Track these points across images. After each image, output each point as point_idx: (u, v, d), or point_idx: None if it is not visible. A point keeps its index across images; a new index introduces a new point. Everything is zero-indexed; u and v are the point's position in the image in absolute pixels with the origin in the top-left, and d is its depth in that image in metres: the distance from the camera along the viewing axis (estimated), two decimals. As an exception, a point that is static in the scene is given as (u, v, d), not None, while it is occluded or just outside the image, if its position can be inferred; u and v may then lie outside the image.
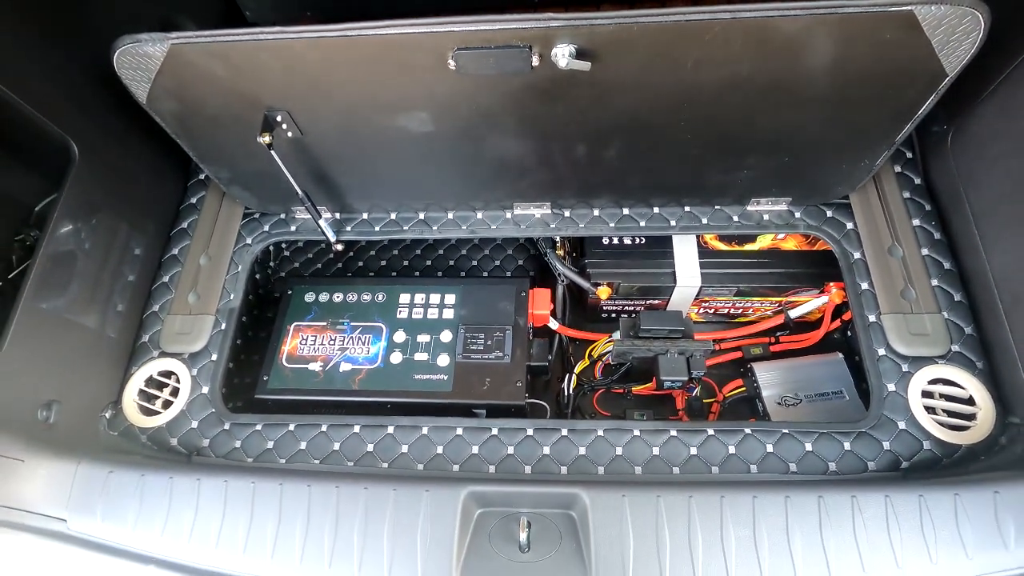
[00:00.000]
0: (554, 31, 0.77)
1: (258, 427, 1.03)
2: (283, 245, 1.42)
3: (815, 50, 0.79)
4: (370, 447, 1.00)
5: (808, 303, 1.24)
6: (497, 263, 1.47)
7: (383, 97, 0.90)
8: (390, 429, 1.01)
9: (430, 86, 0.87)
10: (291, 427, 1.03)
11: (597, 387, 1.32)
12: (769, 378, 1.23)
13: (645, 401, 1.31)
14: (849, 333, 1.28)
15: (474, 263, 1.47)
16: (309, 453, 1.00)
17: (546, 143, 0.99)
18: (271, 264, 1.44)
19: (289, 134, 0.97)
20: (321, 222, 1.13)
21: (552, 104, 0.89)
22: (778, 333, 1.32)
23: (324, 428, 1.02)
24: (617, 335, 1.19)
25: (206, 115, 0.95)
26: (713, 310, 1.32)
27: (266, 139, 0.92)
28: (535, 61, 0.80)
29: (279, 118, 0.94)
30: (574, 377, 1.30)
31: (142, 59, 0.84)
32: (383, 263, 1.49)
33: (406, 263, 1.48)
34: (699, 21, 0.75)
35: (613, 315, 1.36)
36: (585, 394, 1.33)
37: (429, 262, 1.48)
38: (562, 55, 0.78)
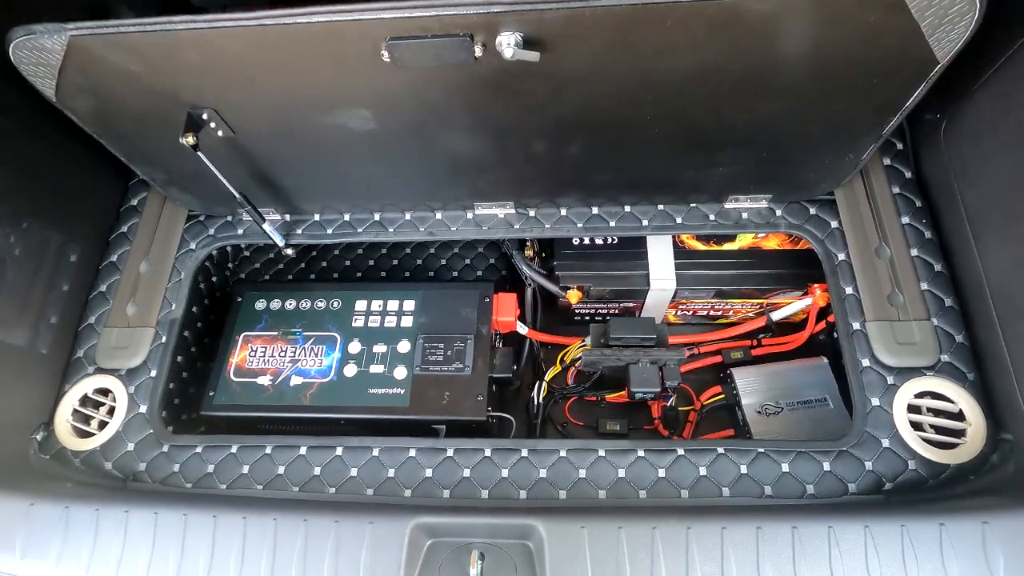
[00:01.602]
0: (497, 18, 0.68)
1: (198, 449, 0.96)
2: (242, 245, 1.34)
3: (790, 35, 0.71)
4: (317, 470, 0.93)
5: (791, 305, 1.17)
6: (467, 262, 1.39)
7: (316, 93, 0.81)
8: (338, 451, 0.94)
9: (366, 81, 0.78)
10: (233, 449, 0.96)
11: (569, 395, 1.26)
12: (749, 385, 1.17)
13: (619, 410, 1.25)
14: (835, 335, 1.21)
15: (443, 262, 1.40)
16: (251, 477, 0.93)
17: (502, 140, 0.90)
18: (229, 266, 1.37)
19: (219, 133, 0.88)
20: (265, 226, 1.05)
21: (504, 98, 0.81)
22: (760, 335, 1.26)
23: (268, 450, 0.95)
24: (590, 340, 1.12)
25: (127, 113, 0.86)
26: (691, 312, 1.25)
27: (189, 140, 0.84)
28: (478, 52, 0.71)
29: (205, 116, 0.85)
30: (544, 384, 1.24)
31: (40, 53, 0.75)
32: (347, 263, 1.41)
33: (371, 263, 1.41)
34: (658, 4, 0.66)
35: (586, 318, 1.29)
36: (557, 402, 1.26)
37: (396, 261, 1.41)
38: (507, 44, 0.70)
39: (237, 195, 0.97)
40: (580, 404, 1.26)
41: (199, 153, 0.87)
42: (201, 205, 1.13)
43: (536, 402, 1.22)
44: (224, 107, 0.85)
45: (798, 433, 1.10)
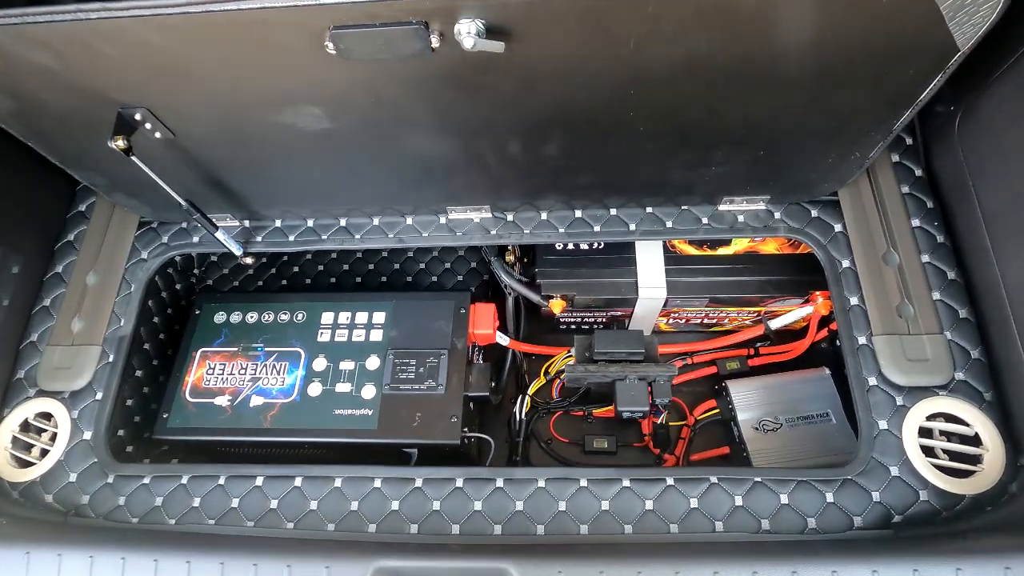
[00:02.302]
0: (455, 3, 0.59)
1: (146, 480, 0.88)
2: (199, 254, 1.25)
3: (791, 19, 0.62)
4: (273, 503, 0.85)
5: (790, 314, 1.09)
6: (447, 266, 1.31)
7: (259, 90, 0.72)
8: (297, 481, 0.86)
9: (312, 75, 0.69)
10: (184, 479, 0.88)
11: (554, 409, 1.18)
12: (746, 398, 1.09)
13: (608, 425, 1.17)
14: (838, 343, 1.13)
15: (422, 266, 1.31)
16: (202, 511, 0.85)
17: (471, 140, 0.82)
18: (195, 272, 1.28)
19: (157, 135, 0.79)
20: (219, 235, 0.96)
21: (468, 94, 0.72)
22: (757, 344, 1.18)
23: (221, 480, 0.87)
24: (574, 353, 1.04)
25: (50, 114, 0.78)
26: (684, 320, 1.17)
27: (120, 143, 0.75)
28: (435, 42, 0.63)
29: (138, 116, 0.76)
30: (527, 399, 1.16)
31: (-64, 47, 0.66)
32: (320, 268, 1.33)
33: (346, 267, 1.32)
34: (638, -14, 0.57)
35: (573, 327, 1.21)
36: (541, 417, 1.18)
37: (372, 266, 1.32)
38: (467, 33, 0.61)
39: (182, 202, 0.88)
40: (566, 419, 1.18)
41: (133, 158, 0.78)
42: (152, 212, 1.04)
43: (518, 418, 1.14)
44: (159, 106, 0.76)
45: (798, 451, 1.02)
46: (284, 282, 1.33)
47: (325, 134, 0.80)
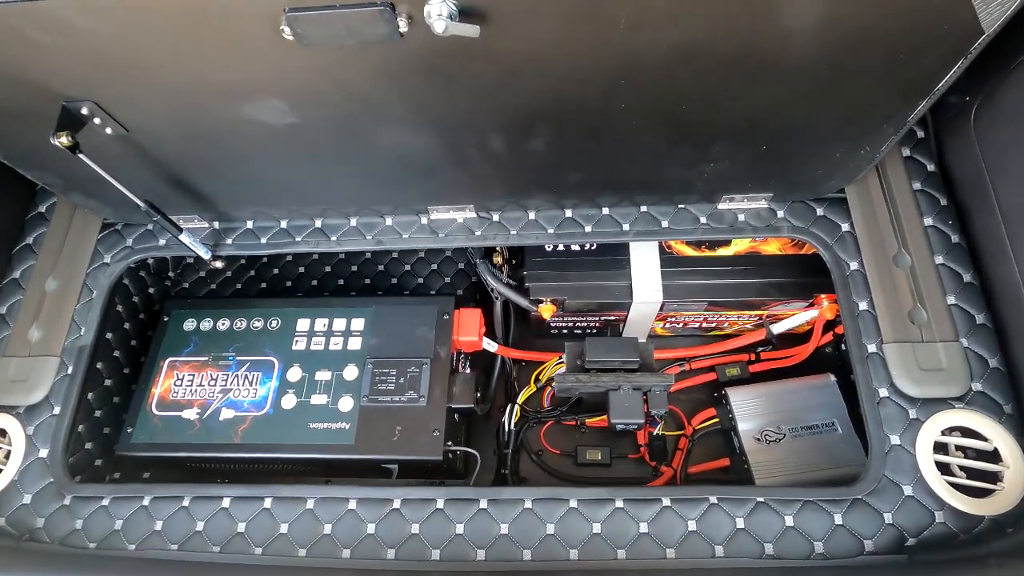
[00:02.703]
0: (423, -19, 0.53)
1: (105, 502, 0.82)
2: (168, 257, 1.19)
3: (798, 1, 0.56)
4: (241, 526, 0.79)
5: (794, 318, 1.03)
6: (434, 267, 1.24)
7: (215, 81, 0.66)
8: (267, 503, 0.81)
9: (271, 65, 0.63)
10: (145, 501, 0.82)
11: (545, 419, 1.12)
12: (747, 407, 1.03)
13: (601, 435, 1.11)
14: (844, 348, 1.08)
15: (407, 267, 1.25)
16: (165, 535, 0.80)
17: (449, 135, 0.75)
18: (169, 275, 1.22)
19: (108, 130, 0.73)
20: (183, 237, 0.90)
21: (445, 85, 0.66)
22: (759, 349, 1.12)
23: (186, 502, 0.82)
24: (565, 361, 0.98)
25: (-10, 108, 0.71)
26: (682, 324, 1.11)
27: (63, 139, 0.69)
28: (403, 25, 0.56)
29: (84, 110, 0.70)
30: (517, 408, 1.10)
31: None
32: (301, 270, 1.27)
33: (327, 269, 1.26)
34: (628, -39, 0.51)
35: (564, 332, 1.15)
36: (531, 427, 1.12)
37: (355, 267, 1.26)
38: (438, 16, 0.54)
39: (140, 203, 0.82)
40: (558, 429, 1.12)
41: (80, 155, 0.71)
42: (113, 212, 0.98)
43: (507, 428, 1.08)
44: (108, 100, 0.69)
45: (803, 464, 0.96)
46: (263, 285, 1.27)
47: (292, 129, 0.73)
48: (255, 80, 0.66)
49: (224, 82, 0.66)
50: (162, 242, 1.00)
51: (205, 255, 0.95)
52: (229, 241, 0.99)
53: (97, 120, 0.71)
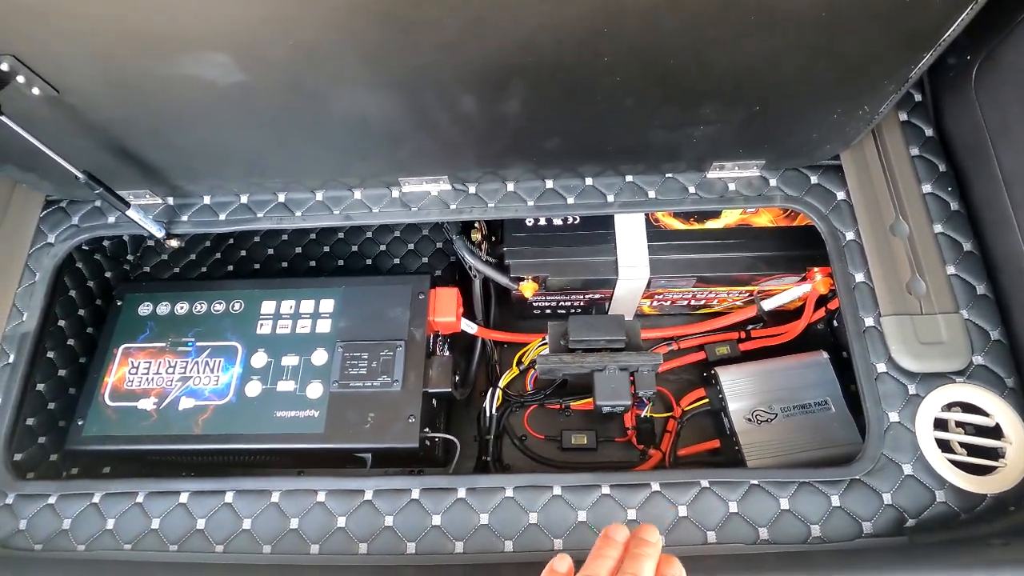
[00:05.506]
0: (376, -93, 0.46)
1: (51, 500, 0.76)
2: (125, 236, 1.11)
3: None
4: (201, 523, 0.74)
5: (786, 293, 0.99)
6: (411, 247, 1.19)
7: (144, 30, 0.59)
8: (228, 497, 0.75)
9: (206, 10, 0.56)
10: (95, 498, 0.76)
11: (529, 403, 1.07)
12: (737, 386, 0.99)
13: (587, 419, 1.07)
14: (836, 324, 1.04)
15: (382, 247, 1.19)
16: (117, 535, 0.74)
17: (413, 96, 0.69)
18: (128, 258, 1.15)
19: (35, 90, 0.66)
20: (131, 212, 0.83)
21: (405, 36, 0.59)
22: (749, 327, 1.08)
23: (140, 498, 0.76)
24: (548, 341, 0.93)
25: None
26: (670, 302, 1.06)
27: (-21, 101, 0.61)
28: (355, -38, 0.50)
29: (4, 67, 0.62)
30: (499, 392, 1.05)
31: None
32: (270, 251, 1.20)
33: (298, 250, 1.20)
34: None
35: (548, 311, 1.10)
36: (514, 412, 1.08)
37: (327, 248, 1.20)
38: (394, -51, 0.48)
39: (79, 175, 0.75)
40: (542, 413, 1.08)
41: (3, 118, 0.64)
42: (55, 188, 0.90)
43: (488, 413, 1.03)
44: (29, 54, 0.62)
45: (795, 444, 0.93)
46: (230, 268, 1.20)
47: (239, 89, 0.67)
48: (191, 28, 0.59)
49: (156, 32, 0.59)
50: (111, 220, 0.92)
51: (158, 233, 0.88)
52: (185, 218, 0.91)
53: (21, 78, 0.64)
